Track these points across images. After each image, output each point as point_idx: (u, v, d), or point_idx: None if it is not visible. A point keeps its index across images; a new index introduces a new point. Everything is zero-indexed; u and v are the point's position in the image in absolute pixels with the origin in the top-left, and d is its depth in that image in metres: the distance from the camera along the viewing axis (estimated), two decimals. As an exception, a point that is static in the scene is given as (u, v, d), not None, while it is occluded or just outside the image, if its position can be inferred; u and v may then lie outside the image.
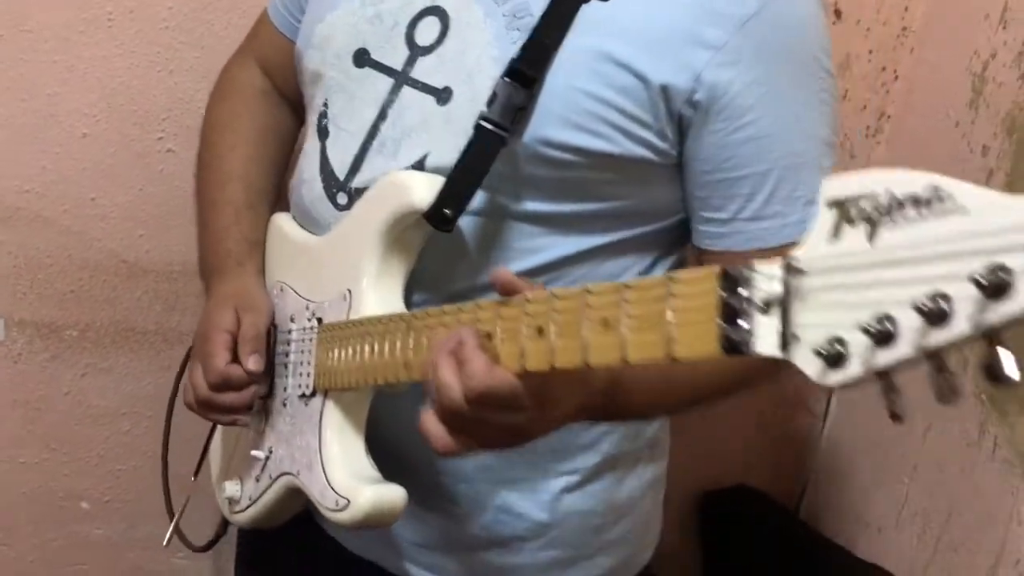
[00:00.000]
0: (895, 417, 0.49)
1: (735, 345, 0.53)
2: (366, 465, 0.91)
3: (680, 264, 1.00)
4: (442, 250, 0.88)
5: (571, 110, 0.85)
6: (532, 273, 0.89)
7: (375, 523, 0.88)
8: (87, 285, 1.38)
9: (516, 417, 0.71)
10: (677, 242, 0.98)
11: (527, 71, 0.84)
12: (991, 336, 0.44)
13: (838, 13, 1.55)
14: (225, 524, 1.18)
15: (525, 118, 0.85)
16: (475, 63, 0.87)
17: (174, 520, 1.17)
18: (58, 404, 1.42)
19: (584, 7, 0.85)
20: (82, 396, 1.40)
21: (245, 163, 1.09)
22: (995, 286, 0.42)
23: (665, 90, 0.84)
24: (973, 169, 1.43)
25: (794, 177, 0.87)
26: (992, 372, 0.44)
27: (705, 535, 1.76)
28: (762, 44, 0.84)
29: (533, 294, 0.68)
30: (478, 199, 0.88)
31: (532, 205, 0.90)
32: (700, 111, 0.85)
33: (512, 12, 0.87)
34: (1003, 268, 0.42)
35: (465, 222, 0.89)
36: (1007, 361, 0.44)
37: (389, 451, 0.91)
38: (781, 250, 0.60)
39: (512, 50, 0.86)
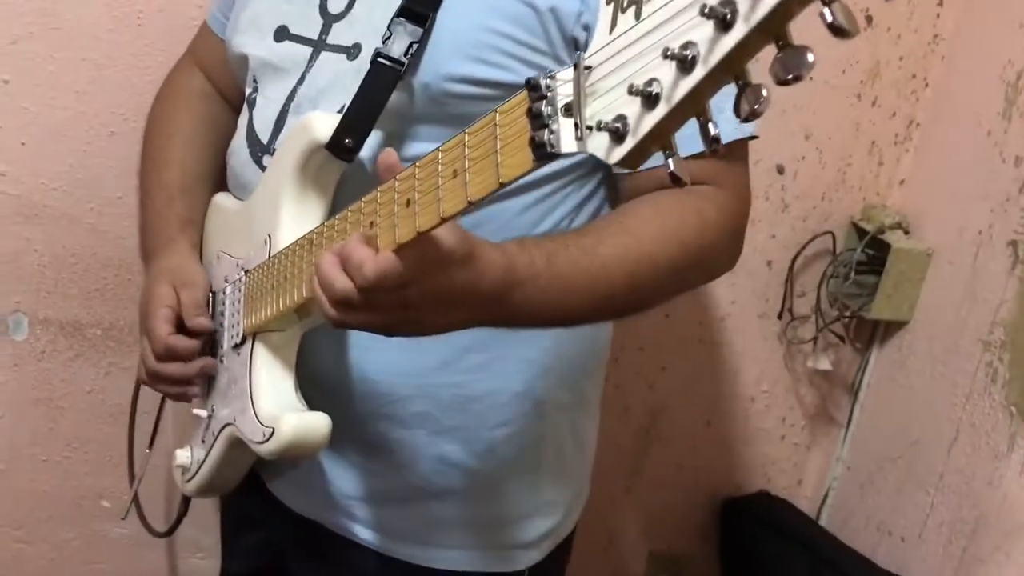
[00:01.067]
0: (675, 180, 0.52)
1: (542, 149, 0.57)
2: (293, 399, 0.94)
3: (612, 191, 1.01)
4: (355, 189, 0.88)
5: (468, 44, 0.89)
6: None
7: (300, 450, 0.90)
8: (112, 284, 1.37)
9: (405, 294, 0.74)
10: (593, 171, 0.99)
11: (418, 9, 0.89)
12: (736, 71, 0.48)
13: (869, 19, 1.54)
14: (185, 507, 1.22)
15: (420, 53, 0.89)
16: (380, 18, 0.91)
17: (132, 491, 1.25)
18: (81, 403, 1.41)
19: None
20: (105, 395, 1.39)
21: (181, 150, 1.13)
22: (721, 16, 0.46)
23: (554, 13, 0.88)
24: (1005, 180, 1.42)
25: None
26: (740, 106, 0.48)
27: (726, 541, 1.76)
28: None
29: (402, 172, 0.72)
30: (380, 138, 0.91)
31: (435, 143, 0.91)
32: (591, 32, 0.88)
33: None
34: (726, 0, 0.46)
35: (369, 164, 0.92)
36: (754, 94, 0.47)
37: (328, 403, 0.93)
38: (695, 158, 0.65)
39: None
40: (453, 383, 0.99)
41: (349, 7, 0.96)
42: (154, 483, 1.26)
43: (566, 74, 0.56)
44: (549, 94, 0.56)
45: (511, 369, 1.00)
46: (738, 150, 0.94)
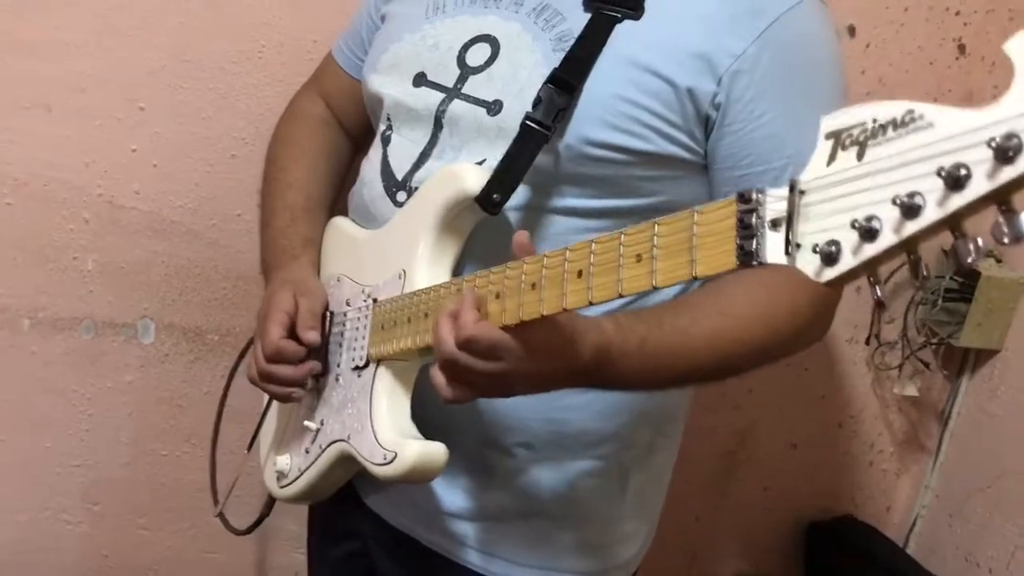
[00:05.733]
0: (881, 305, 0.59)
1: (748, 257, 0.62)
2: (411, 426, 1.00)
3: None
4: (490, 240, 0.97)
5: (608, 112, 0.95)
6: None
7: (418, 476, 0.97)
8: (230, 294, 1.49)
9: (498, 365, 0.83)
10: None
11: (567, 78, 0.95)
12: (954, 224, 0.52)
13: (962, 48, 1.55)
14: (269, 507, 1.29)
15: (566, 119, 0.95)
16: (526, 79, 0.98)
17: (227, 492, 1.33)
18: (198, 403, 1.52)
19: (618, 26, 0.96)
20: (220, 396, 1.48)
21: (304, 174, 1.22)
22: (956, 179, 0.50)
23: (691, 92, 0.94)
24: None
25: None
26: (956, 257, 0.52)
27: (811, 564, 1.77)
28: (776, 53, 0.94)
29: (574, 245, 0.78)
30: (524, 194, 0.98)
31: (573, 200, 0.99)
32: (721, 111, 0.95)
33: (558, 37, 0.99)
34: (962, 164, 0.50)
35: (512, 215, 0.99)
36: (967, 246, 0.52)
37: (433, 426, 0.99)
38: None
39: None
40: (551, 419, 1.05)
41: (489, 63, 1.02)
42: (231, 481, 1.34)
43: (778, 192, 0.61)
44: (759, 207, 0.61)
45: (605, 412, 1.06)
46: None
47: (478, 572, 1.09)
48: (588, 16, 0.97)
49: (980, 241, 0.52)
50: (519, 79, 0.98)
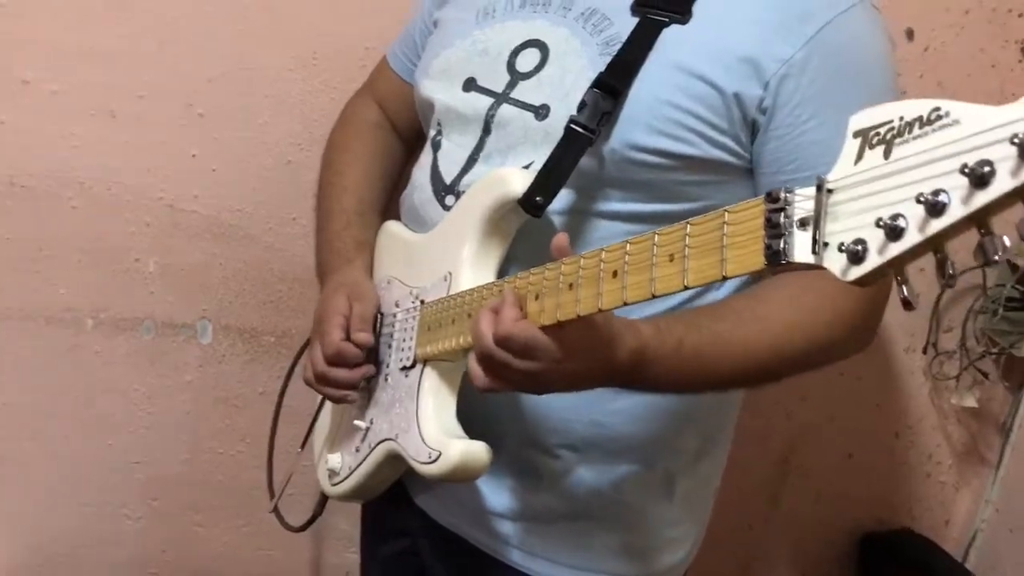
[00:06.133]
0: (907, 305, 0.57)
1: (776, 256, 0.62)
2: (456, 426, 1.01)
3: None
4: (535, 242, 0.97)
5: (654, 117, 0.95)
6: None
7: (462, 475, 0.97)
8: (285, 296, 1.52)
9: (533, 364, 0.84)
10: None
11: (613, 83, 0.95)
12: (980, 221, 0.51)
13: (1024, 52, 1.52)
14: (322, 505, 1.32)
15: (611, 123, 0.95)
16: (572, 84, 0.98)
17: (281, 489, 1.36)
18: (254, 403, 1.55)
19: (665, 30, 0.96)
20: (275, 396, 1.50)
21: (357, 179, 1.24)
22: (979, 176, 0.50)
23: (737, 97, 0.94)
24: None
25: None
26: (983, 254, 0.52)
27: (864, 575, 1.74)
28: (824, 58, 0.93)
29: (610, 246, 0.79)
30: (569, 198, 0.99)
31: (618, 204, 0.99)
32: (767, 116, 0.94)
33: (605, 41, 0.99)
34: (986, 161, 0.49)
35: (557, 219, 1.00)
36: (993, 244, 0.51)
37: (482, 428, 1.00)
38: None
39: None
40: (596, 422, 1.05)
41: (538, 68, 1.03)
42: (293, 480, 1.36)
43: (806, 191, 0.61)
44: (787, 207, 0.62)
45: (650, 416, 1.06)
46: None
47: (523, 571, 1.10)
48: (635, 21, 0.98)
49: (1007, 239, 0.51)
50: (566, 83, 0.99)
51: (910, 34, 1.50)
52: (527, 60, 1.04)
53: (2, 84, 1.40)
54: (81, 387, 1.53)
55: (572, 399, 0.95)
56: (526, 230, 1.01)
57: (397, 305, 1.11)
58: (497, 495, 1.10)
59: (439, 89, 1.11)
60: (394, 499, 1.18)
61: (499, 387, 0.88)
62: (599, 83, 0.96)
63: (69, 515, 1.61)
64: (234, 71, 1.41)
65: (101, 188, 1.44)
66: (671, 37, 0.96)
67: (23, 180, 1.44)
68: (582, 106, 0.96)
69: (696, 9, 0.97)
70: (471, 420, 1.01)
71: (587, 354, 0.85)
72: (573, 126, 0.96)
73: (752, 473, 1.69)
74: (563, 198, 0.98)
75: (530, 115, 1.01)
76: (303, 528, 1.37)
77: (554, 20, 1.04)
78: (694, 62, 0.94)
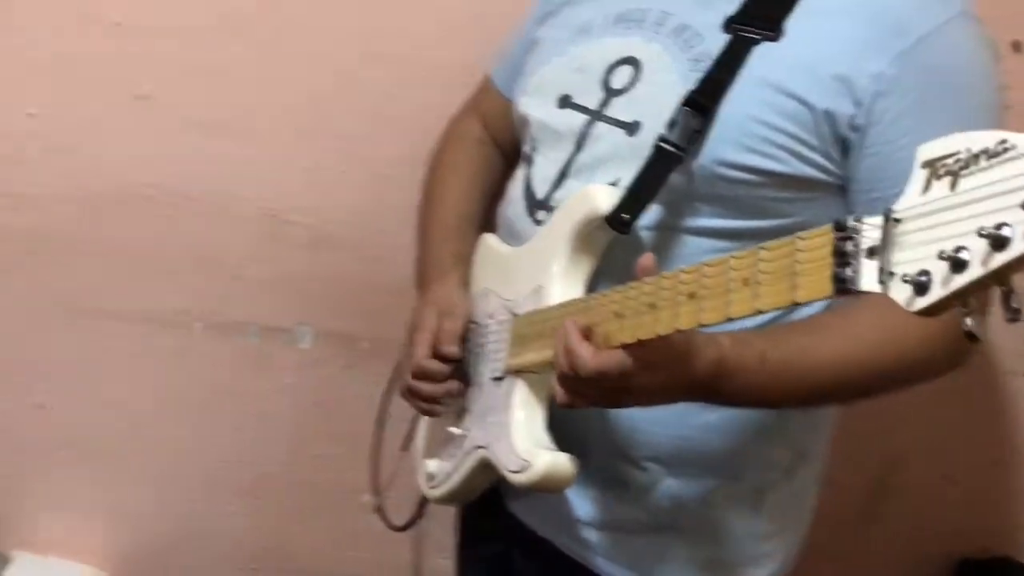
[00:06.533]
0: (971, 337, 0.56)
1: (844, 284, 0.62)
2: (545, 437, 1.02)
3: None
4: (625, 258, 0.97)
5: (743, 134, 0.95)
6: None
7: (548, 485, 0.99)
8: (380, 304, 1.55)
9: (613, 383, 0.86)
10: None
11: (703, 101, 0.95)
12: None
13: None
14: (422, 508, 1.34)
15: (700, 141, 0.95)
16: (663, 101, 0.98)
17: (383, 489, 1.40)
18: (350, 407, 1.59)
19: (755, 47, 0.96)
20: (371, 401, 1.52)
21: (458, 194, 1.27)
22: None
23: (828, 115, 0.93)
24: None
25: None
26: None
27: (960, 603, 1.69)
28: (918, 74, 0.92)
29: (688, 268, 0.79)
30: (657, 213, 0.99)
31: (706, 220, 0.99)
32: (860, 133, 0.93)
33: (695, 58, 0.99)
34: None
35: (645, 235, 1.00)
36: None
37: (572, 439, 1.02)
38: None
39: None
40: (683, 436, 1.05)
41: (631, 85, 1.04)
42: (397, 482, 1.39)
43: (874, 220, 0.61)
44: (855, 235, 0.62)
45: (738, 432, 1.06)
46: None
47: None
48: (726, 37, 0.98)
49: None
50: (657, 100, 1.00)
51: (1016, 46, 1.45)
52: (621, 77, 1.05)
53: (121, 98, 1.49)
54: (189, 388, 1.61)
55: (659, 413, 0.96)
56: (616, 246, 1.02)
57: (491, 316, 1.14)
58: (585, 503, 1.11)
59: (534, 105, 1.13)
60: (488, 504, 1.21)
61: (580, 404, 0.90)
62: (690, 101, 0.96)
63: (176, 510, 1.69)
64: (340, 88, 1.46)
65: (210, 198, 1.51)
66: (762, 54, 0.96)
67: (139, 190, 1.52)
68: (672, 124, 0.96)
69: (788, 26, 0.97)
70: (561, 431, 1.03)
71: (665, 369, 0.86)
72: (663, 144, 0.97)
73: (847, 492, 1.66)
74: (653, 214, 0.99)
75: (621, 132, 1.02)
76: (405, 528, 1.41)
77: (648, 36, 1.05)
78: (784, 79, 0.94)
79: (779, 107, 0.94)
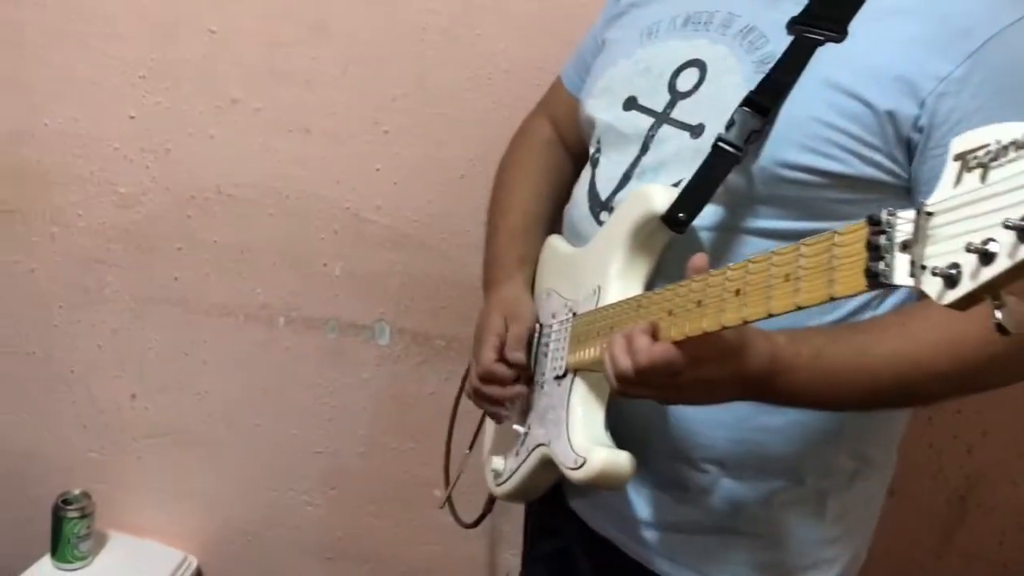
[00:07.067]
0: (1001, 329, 0.57)
1: (877, 278, 0.63)
2: (603, 435, 1.03)
3: None
4: (683, 258, 0.97)
5: (805, 135, 0.94)
6: None
7: (605, 482, 0.99)
8: (455, 303, 1.60)
9: (665, 378, 0.86)
10: None
11: (762, 101, 0.95)
12: None
13: None
14: (490, 504, 1.36)
15: (759, 141, 0.95)
16: (727, 102, 0.98)
17: (452, 485, 1.42)
18: (424, 402, 1.64)
19: (820, 48, 0.95)
20: (443, 397, 1.57)
21: (526, 196, 1.28)
22: None
23: (891, 116, 0.91)
24: None
25: None
26: None
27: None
28: (986, 75, 0.89)
29: (734, 265, 0.81)
30: (716, 214, 0.99)
31: (766, 221, 0.98)
32: (924, 135, 0.91)
33: (760, 59, 0.99)
34: None
35: (705, 236, 1.00)
36: None
37: (632, 439, 1.02)
38: None
39: None
40: (744, 439, 1.05)
41: (697, 87, 1.04)
42: (467, 479, 1.41)
43: (907, 214, 0.61)
44: (888, 230, 0.62)
45: (798, 433, 1.05)
46: None
47: None
48: (790, 38, 0.98)
49: None
50: (721, 102, 1.00)
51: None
52: (687, 79, 1.05)
53: (215, 102, 1.57)
54: (272, 379, 1.68)
55: (718, 414, 0.96)
56: (675, 246, 1.02)
57: (554, 316, 1.16)
58: (644, 503, 1.12)
59: (601, 108, 1.15)
60: (551, 501, 1.22)
61: (634, 394, 0.91)
62: (749, 101, 0.96)
63: (258, 497, 1.76)
64: (415, 91, 1.51)
65: (295, 198, 1.58)
66: (825, 55, 0.96)
67: (229, 189, 1.60)
68: (730, 124, 0.97)
69: (852, 27, 0.96)
70: (621, 430, 1.04)
71: (716, 364, 0.86)
72: (720, 144, 0.97)
73: (925, 509, 1.62)
74: (713, 215, 0.99)
75: (686, 134, 1.03)
76: (474, 524, 1.42)
77: (714, 39, 1.05)
78: (847, 80, 0.93)
79: (841, 108, 0.93)
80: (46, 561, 1.73)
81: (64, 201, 1.66)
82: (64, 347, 1.75)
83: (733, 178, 0.97)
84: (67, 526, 1.70)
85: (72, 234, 1.67)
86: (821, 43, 0.96)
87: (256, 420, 1.71)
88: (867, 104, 0.93)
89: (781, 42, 0.98)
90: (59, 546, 1.71)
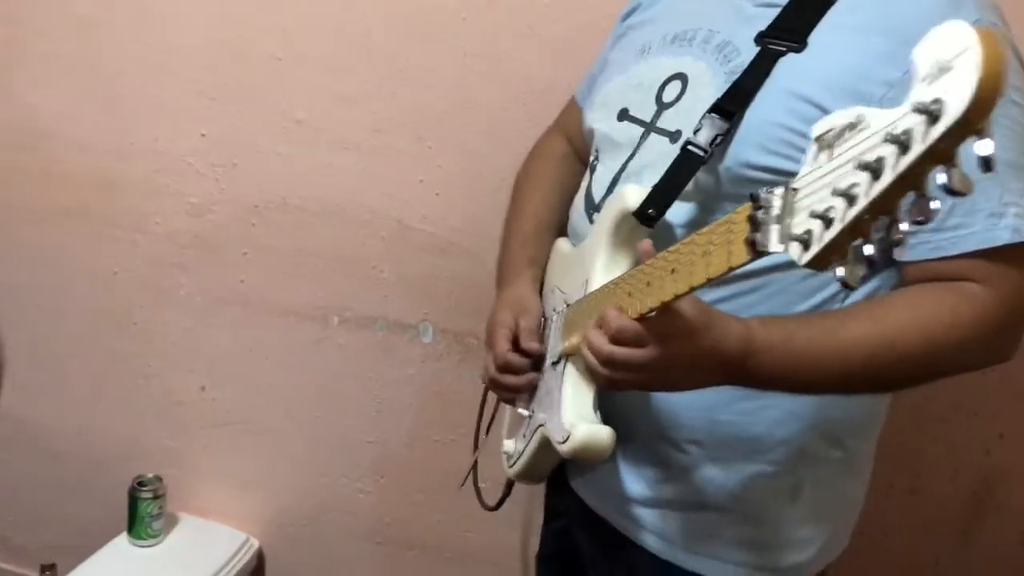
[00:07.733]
0: (844, 284, 0.66)
1: (753, 246, 0.73)
2: (591, 413, 1.11)
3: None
4: (659, 249, 1.03)
5: (765, 138, 1.03)
6: (730, 280, 1.04)
7: (587, 454, 1.08)
8: (491, 305, 1.71)
9: (643, 352, 0.94)
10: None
11: (728, 107, 1.04)
12: (882, 206, 0.61)
13: None
14: (509, 488, 1.45)
15: (725, 144, 1.04)
16: (702, 110, 1.07)
17: (468, 470, 1.51)
18: (464, 397, 1.74)
19: (782, 59, 1.04)
20: (481, 393, 1.62)
21: (538, 203, 1.39)
22: (873, 169, 0.61)
23: None
24: None
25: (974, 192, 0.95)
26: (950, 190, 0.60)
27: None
28: None
29: (671, 247, 0.91)
30: (690, 211, 1.08)
31: None
32: None
33: (732, 70, 1.08)
34: (879, 157, 0.60)
35: (679, 231, 1.09)
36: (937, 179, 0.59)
37: (620, 421, 1.11)
38: (961, 258, 0.91)
39: None
40: (724, 422, 1.13)
41: (678, 98, 1.13)
42: (493, 466, 1.47)
43: (779, 191, 0.71)
44: (766, 206, 0.73)
45: (776, 418, 1.12)
46: (1012, 254, 0.99)
47: (655, 553, 1.20)
48: (757, 50, 1.07)
49: (934, 204, 0.60)
50: (697, 110, 1.10)
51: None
52: (671, 91, 1.16)
53: (282, 123, 1.73)
54: (326, 373, 1.82)
55: (697, 398, 1.04)
56: (656, 241, 1.08)
57: (555, 310, 1.27)
58: (634, 482, 1.21)
59: (598, 119, 1.26)
60: (556, 482, 1.33)
61: (618, 379, 1.00)
62: (715, 108, 1.06)
63: (314, 483, 1.90)
64: (457, 109, 1.64)
65: (349, 208, 1.73)
66: (786, 65, 1.05)
67: (294, 201, 1.76)
68: (698, 128, 1.06)
69: (812, 39, 1.05)
70: (612, 415, 1.13)
71: (684, 340, 0.94)
72: (688, 146, 1.07)
73: (941, 508, 1.66)
74: (686, 211, 1.09)
75: (666, 140, 1.13)
76: (495, 507, 1.51)
77: (696, 54, 1.15)
78: (805, 88, 1.02)
79: (800, 113, 1.02)
80: (123, 537, 1.90)
81: (145, 210, 1.84)
82: (142, 344, 1.92)
83: (703, 178, 1.06)
84: (141, 506, 1.86)
85: (151, 240, 1.85)
86: (783, 53, 1.05)
87: (311, 410, 1.85)
88: (823, 110, 1.00)
89: (751, 54, 1.07)
90: (135, 524, 1.88)
